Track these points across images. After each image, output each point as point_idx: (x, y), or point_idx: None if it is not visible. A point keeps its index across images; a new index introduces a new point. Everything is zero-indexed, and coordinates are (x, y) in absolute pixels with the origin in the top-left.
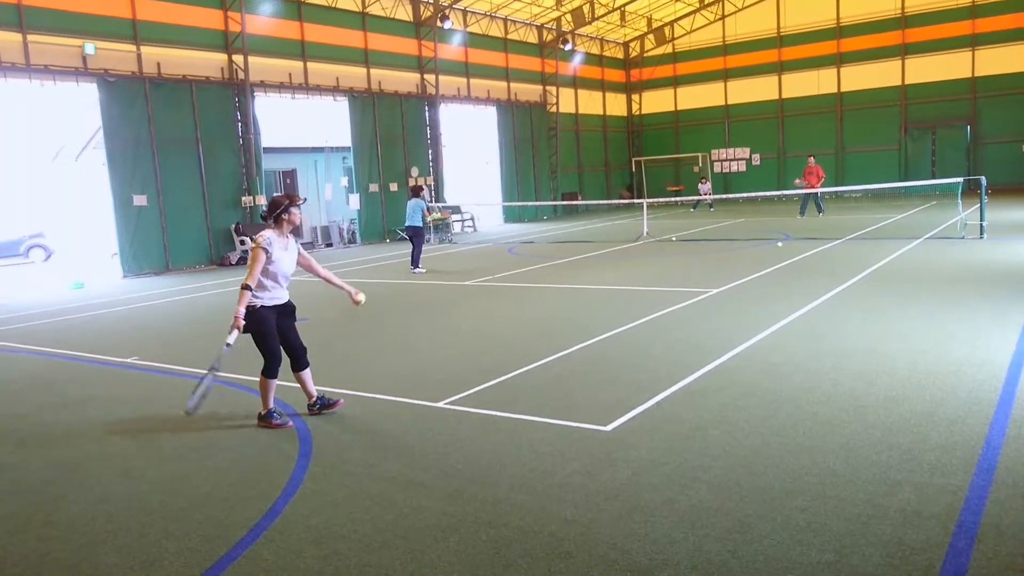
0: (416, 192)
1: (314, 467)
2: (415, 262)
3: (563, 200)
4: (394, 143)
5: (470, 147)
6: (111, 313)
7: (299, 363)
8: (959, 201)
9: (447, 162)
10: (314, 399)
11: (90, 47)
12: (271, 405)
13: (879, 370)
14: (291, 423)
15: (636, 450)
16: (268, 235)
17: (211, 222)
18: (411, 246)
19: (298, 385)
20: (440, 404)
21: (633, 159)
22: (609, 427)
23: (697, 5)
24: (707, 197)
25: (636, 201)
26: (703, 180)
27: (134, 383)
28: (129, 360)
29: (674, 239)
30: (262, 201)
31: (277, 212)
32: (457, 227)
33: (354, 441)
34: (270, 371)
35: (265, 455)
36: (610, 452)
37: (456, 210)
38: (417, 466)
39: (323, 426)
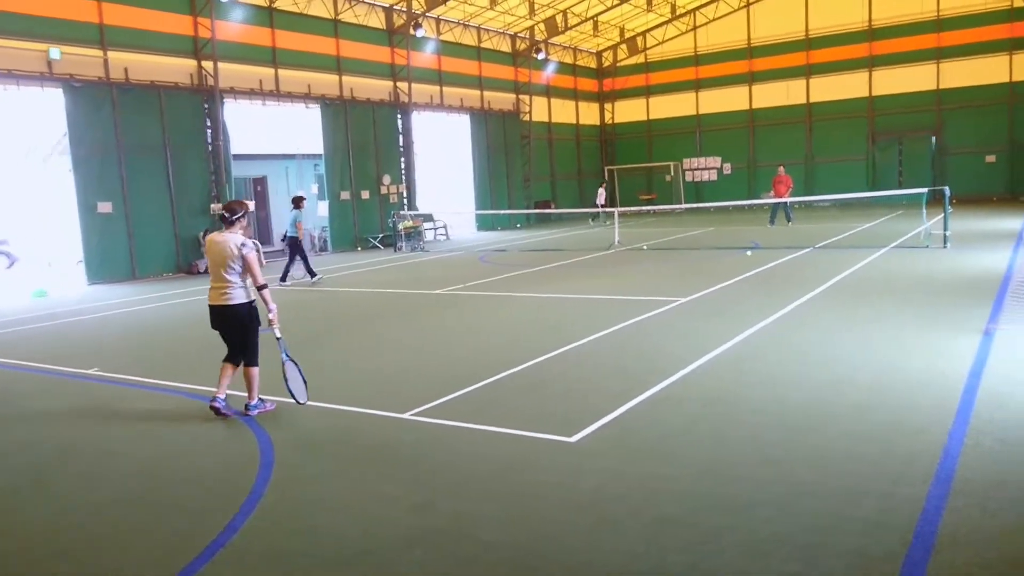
0: (296, 203)
1: (276, 479)
2: (310, 272)
3: (536, 208)
4: (366, 151)
5: (443, 155)
6: (74, 322)
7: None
8: (923, 211)
9: (420, 170)
10: (254, 400)
11: (55, 52)
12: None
13: (846, 379)
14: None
15: (603, 460)
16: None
17: (179, 229)
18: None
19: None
20: (406, 415)
21: (606, 168)
22: (574, 438)
23: (669, 16)
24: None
25: (608, 210)
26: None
27: (95, 395)
28: (90, 371)
29: (645, 248)
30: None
31: (244, 213)
32: (429, 235)
33: (317, 453)
34: (258, 360)
35: (227, 468)
36: (577, 463)
37: (428, 218)
38: (382, 478)
39: (286, 438)
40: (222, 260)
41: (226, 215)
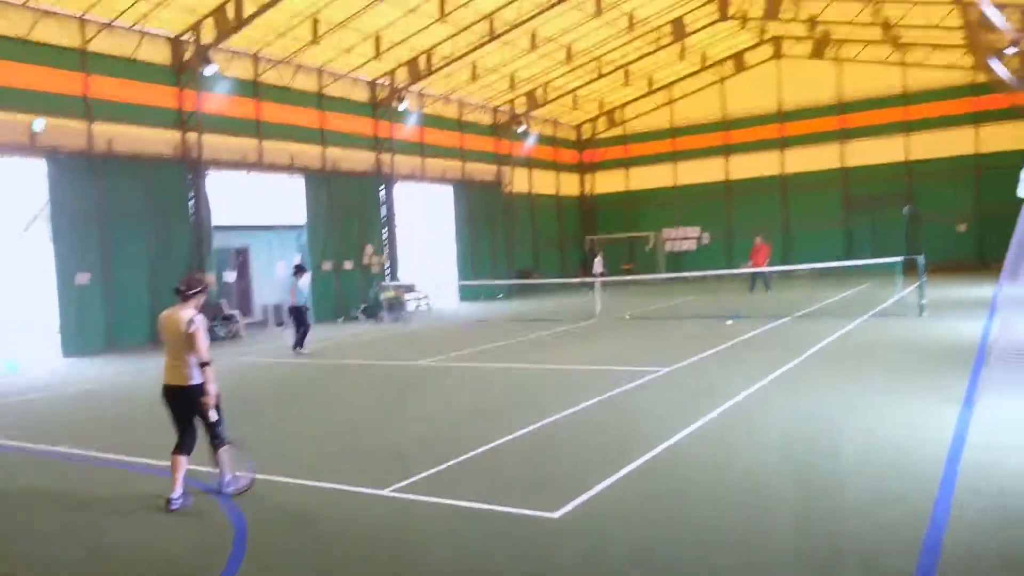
0: (297, 271)
1: (247, 564)
2: (301, 343)
3: (518, 277)
4: (349, 221)
5: (425, 225)
6: (44, 398)
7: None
8: (899, 279)
9: (402, 240)
10: (227, 478)
11: (39, 123)
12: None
13: (826, 447)
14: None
15: (585, 538)
16: (198, 315)
17: (159, 300)
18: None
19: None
20: (386, 492)
21: (587, 238)
22: (557, 513)
23: (646, 90)
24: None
25: (589, 280)
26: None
27: (62, 473)
28: (57, 448)
29: (627, 317)
30: (212, 280)
31: (202, 289)
32: (412, 306)
33: (293, 533)
34: (226, 438)
35: (196, 552)
36: (558, 541)
37: (411, 289)
38: (360, 560)
39: (260, 518)
40: (177, 336)
41: (181, 288)
